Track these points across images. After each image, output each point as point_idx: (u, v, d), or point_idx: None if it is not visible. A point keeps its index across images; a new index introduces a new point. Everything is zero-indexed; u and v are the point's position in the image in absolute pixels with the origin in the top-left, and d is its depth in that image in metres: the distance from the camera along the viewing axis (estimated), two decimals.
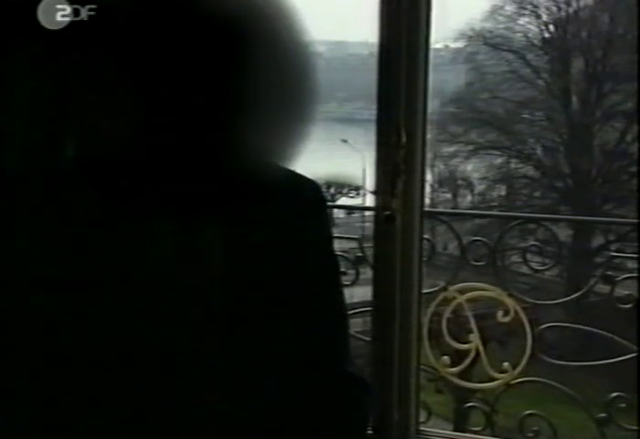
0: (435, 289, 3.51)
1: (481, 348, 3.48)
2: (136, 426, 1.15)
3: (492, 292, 3.46)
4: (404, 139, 2.84)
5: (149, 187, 1.10)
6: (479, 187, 12.51)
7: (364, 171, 11.35)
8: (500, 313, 3.43)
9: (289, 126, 1.11)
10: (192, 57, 1.05)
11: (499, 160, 12.28)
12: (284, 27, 1.09)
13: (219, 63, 1.06)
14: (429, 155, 8.13)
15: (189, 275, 1.15)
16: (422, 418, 3.26)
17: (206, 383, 1.16)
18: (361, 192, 12.41)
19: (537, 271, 4.10)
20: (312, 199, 1.28)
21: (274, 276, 1.19)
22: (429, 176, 11.19)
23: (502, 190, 12.65)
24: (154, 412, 1.14)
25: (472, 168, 12.41)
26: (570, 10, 11.84)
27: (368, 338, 3.14)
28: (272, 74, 1.08)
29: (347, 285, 3.47)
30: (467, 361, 3.50)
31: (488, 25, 11.96)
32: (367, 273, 3.33)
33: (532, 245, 3.99)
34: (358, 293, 3.31)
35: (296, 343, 1.22)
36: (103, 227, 1.12)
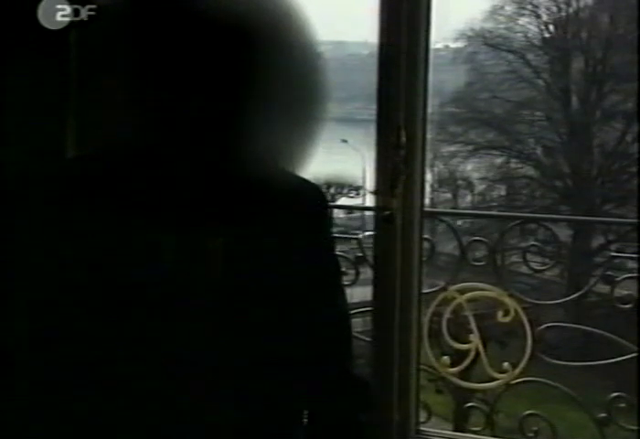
0: (435, 289, 3.51)
1: (481, 348, 3.48)
2: (140, 424, 1.15)
3: (492, 292, 3.46)
4: (404, 139, 2.84)
5: (153, 191, 1.10)
6: (479, 187, 12.50)
7: (364, 171, 11.34)
8: (500, 313, 3.43)
9: (299, 129, 1.11)
10: (199, 60, 1.05)
11: (499, 160, 12.26)
12: (292, 30, 1.09)
13: (228, 65, 1.06)
14: (429, 155, 8.12)
15: (192, 276, 1.15)
16: (422, 418, 3.26)
17: (210, 384, 1.16)
18: (361, 192, 12.41)
19: (537, 271, 4.10)
20: (315, 204, 1.29)
21: (277, 278, 1.19)
22: (429, 176, 11.18)
23: (502, 190, 12.63)
24: (159, 414, 1.14)
25: (472, 168, 12.40)
26: (570, 10, 11.83)
27: (368, 338, 3.14)
28: (281, 76, 1.08)
29: (347, 285, 3.46)
30: (467, 361, 3.50)
31: (488, 25, 11.94)
32: (367, 272, 3.33)
33: (532, 245, 3.99)
34: (358, 293, 3.31)
35: (300, 345, 1.22)
36: (107, 228, 1.12)
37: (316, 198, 1.30)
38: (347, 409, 1.30)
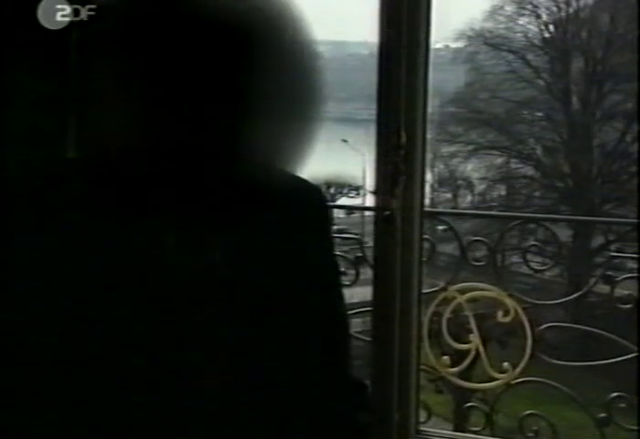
0: (435, 289, 3.51)
1: (481, 348, 3.48)
2: (135, 424, 1.15)
3: (492, 292, 3.46)
4: (404, 139, 2.84)
5: (151, 191, 1.10)
6: (479, 187, 12.51)
7: (364, 171, 11.35)
8: (500, 313, 3.43)
9: (295, 129, 1.11)
10: (198, 60, 1.05)
11: (499, 160, 12.28)
12: (289, 29, 1.09)
13: (225, 66, 1.06)
14: (429, 155, 8.13)
15: (191, 277, 1.15)
16: (422, 418, 3.26)
17: (206, 385, 1.16)
18: (361, 192, 12.41)
19: (537, 271, 4.10)
20: (315, 205, 1.29)
21: (276, 280, 1.19)
22: (429, 176, 11.18)
23: (502, 190, 12.65)
24: (155, 413, 1.14)
25: (472, 168, 12.41)
26: (570, 10, 11.84)
27: (368, 338, 3.14)
28: (277, 76, 1.08)
29: (347, 285, 3.47)
30: (467, 361, 3.50)
31: (488, 25, 11.96)
32: (367, 273, 3.33)
33: (532, 245, 4.00)
34: (358, 293, 3.31)
35: (297, 346, 1.22)
36: (105, 229, 1.12)
37: (316, 199, 1.30)
38: (346, 410, 1.30)
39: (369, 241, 3.29)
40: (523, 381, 3.39)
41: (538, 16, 11.89)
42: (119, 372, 1.13)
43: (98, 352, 1.12)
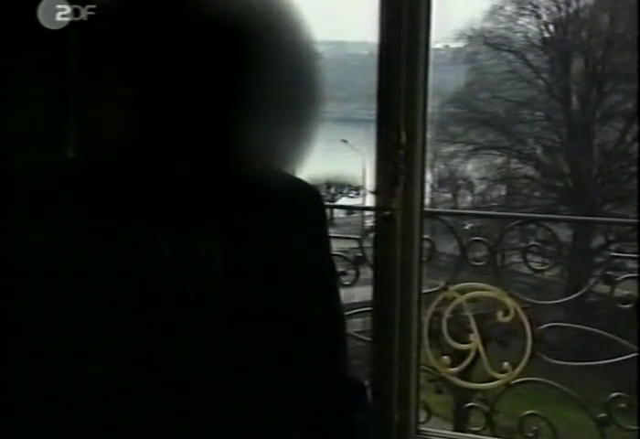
0: (435, 289, 3.51)
1: (481, 348, 3.48)
2: (137, 428, 1.15)
3: (492, 292, 3.46)
4: (404, 139, 2.84)
5: (149, 191, 1.10)
6: (479, 187, 12.50)
7: (364, 171, 11.35)
8: (500, 313, 3.44)
9: (295, 130, 1.11)
10: (195, 60, 1.05)
11: (499, 160, 12.27)
12: (287, 30, 1.09)
13: (223, 66, 1.06)
14: (429, 155, 8.12)
15: (188, 278, 1.15)
16: (422, 418, 3.26)
17: (205, 387, 1.16)
18: (361, 192, 12.41)
19: (537, 271, 4.11)
20: (312, 205, 1.29)
21: (274, 280, 1.19)
22: (429, 176, 11.18)
23: (502, 190, 12.64)
24: (155, 416, 1.14)
25: (472, 168, 12.40)
26: (570, 10, 11.83)
27: (368, 338, 3.14)
28: (275, 77, 1.08)
29: (347, 285, 3.47)
30: (467, 361, 3.50)
31: (488, 25, 11.95)
32: (367, 273, 3.33)
33: (532, 245, 4.00)
34: (358, 293, 3.31)
35: (294, 347, 1.22)
36: (104, 229, 1.12)
37: (313, 200, 1.29)
38: (345, 410, 1.30)
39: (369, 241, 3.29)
40: (523, 381, 3.39)
41: (538, 16, 11.88)
42: (116, 374, 1.13)
43: (95, 352, 1.12)
